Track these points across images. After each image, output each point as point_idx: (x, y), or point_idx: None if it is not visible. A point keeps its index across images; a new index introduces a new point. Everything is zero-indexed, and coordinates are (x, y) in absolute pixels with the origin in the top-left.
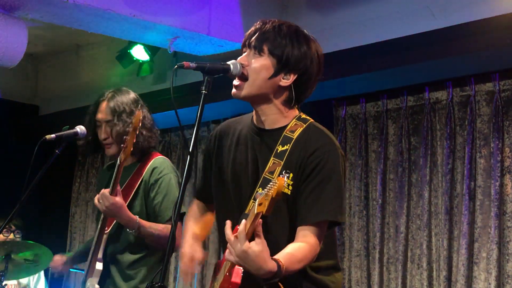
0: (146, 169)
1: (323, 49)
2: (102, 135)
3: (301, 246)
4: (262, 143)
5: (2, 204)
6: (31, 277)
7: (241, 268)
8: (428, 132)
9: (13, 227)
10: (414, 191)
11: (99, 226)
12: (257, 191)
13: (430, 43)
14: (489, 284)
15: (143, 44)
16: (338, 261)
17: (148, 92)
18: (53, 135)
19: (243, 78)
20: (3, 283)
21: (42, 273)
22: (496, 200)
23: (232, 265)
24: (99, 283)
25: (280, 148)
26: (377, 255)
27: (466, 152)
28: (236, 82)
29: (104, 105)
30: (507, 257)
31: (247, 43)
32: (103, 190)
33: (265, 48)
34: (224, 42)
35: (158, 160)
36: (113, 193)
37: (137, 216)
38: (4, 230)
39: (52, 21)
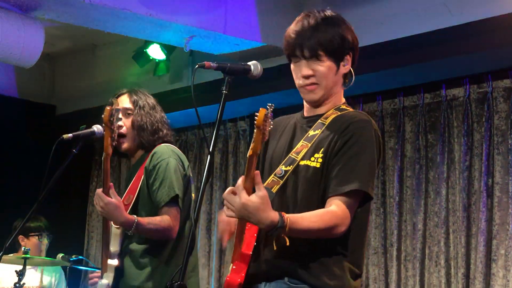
0: (148, 157)
1: None
2: (126, 123)
3: (321, 210)
4: (300, 128)
5: (20, 203)
6: (52, 279)
7: (253, 238)
8: (445, 129)
9: (46, 231)
10: (432, 188)
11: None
12: (280, 167)
13: (447, 40)
14: (508, 281)
15: (159, 43)
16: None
17: (165, 91)
18: (70, 135)
19: (315, 83)
20: (22, 282)
21: (63, 274)
22: None
23: (241, 237)
24: (118, 279)
25: (311, 133)
26: (394, 253)
27: (484, 148)
28: (310, 87)
29: (123, 96)
30: None
31: (297, 54)
32: (98, 190)
33: (321, 53)
34: (240, 41)
35: (159, 147)
36: (106, 192)
37: (135, 216)
38: (38, 235)
39: (69, 21)
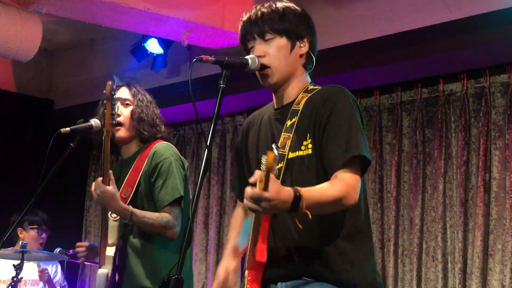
0: (148, 154)
1: (337, 41)
2: (124, 112)
3: (330, 181)
4: (276, 121)
5: (18, 197)
6: (48, 267)
7: (265, 245)
8: (442, 124)
9: (44, 226)
10: (429, 183)
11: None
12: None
13: (444, 35)
14: (504, 276)
15: (157, 37)
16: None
17: (162, 86)
18: (67, 129)
19: (266, 67)
20: (19, 276)
21: (59, 267)
22: (511, 192)
23: (254, 245)
24: (120, 270)
25: (289, 122)
26: (392, 247)
27: (481, 144)
28: (261, 72)
29: (122, 88)
30: None
31: (249, 36)
32: (98, 178)
33: (268, 30)
34: None
35: (160, 145)
36: (105, 181)
37: (130, 206)
38: (37, 228)
39: (67, 15)
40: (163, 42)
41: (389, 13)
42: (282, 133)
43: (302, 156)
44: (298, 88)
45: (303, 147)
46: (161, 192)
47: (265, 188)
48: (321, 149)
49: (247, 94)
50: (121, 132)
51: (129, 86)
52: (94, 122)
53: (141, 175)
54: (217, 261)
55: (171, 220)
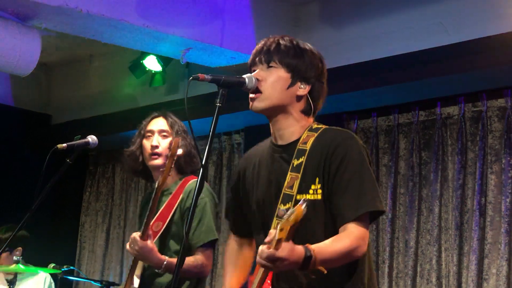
0: (183, 191)
1: (335, 62)
2: (153, 142)
3: (338, 235)
4: (280, 159)
5: (13, 212)
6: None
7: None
8: (439, 147)
9: (17, 252)
10: (425, 205)
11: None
12: (279, 208)
13: (442, 58)
14: None
15: (156, 54)
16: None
17: (160, 103)
18: (64, 145)
19: (259, 91)
20: None
21: (52, 284)
22: (506, 216)
23: (262, 282)
24: None
25: (295, 162)
26: (386, 270)
27: (477, 167)
28: (252, 95)
29: (159, 118)
30: None
31: (256, 60)
32: (133, 235)
33: (276, 59)
34: (237, 54)
35: (195, 183)
36: (144, 236)
37: (166, 257)
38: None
39: (66, 30)
40: (162, 60)
41: (387, 35)
42: (289, 173)
43: (311, 200)
44: (300, 127)
45: (311, 191)
46: (195, 233)
47: (277, 246)
48: (330, 198)
49: (245, 113)
50: (158, 161)
51: (165, 116)
52: (91, 138)
53: (174, 213)
54: (211, 278)
55: (204, 262)
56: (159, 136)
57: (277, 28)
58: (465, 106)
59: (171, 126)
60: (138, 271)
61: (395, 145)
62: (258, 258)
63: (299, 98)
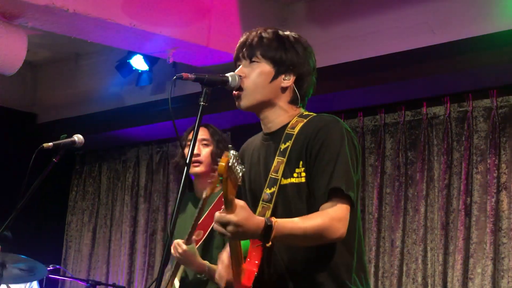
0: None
1: (322, 62)
2: (194, 150)
3: (312, 214)
4: (269, 146)
5: None
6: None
7: (254, 269)
8: (425, 147)
9: None
10: (410, 205)
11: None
12: (264, 192)
13: (428, 58)
14: None
15: (142, 54)
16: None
17: (147, 102)
18: (50, 144)
19: (241, 89)
20: None
21: (35, 283)
22: (491, 216)
23: (237, 267)
24: None
25: (282, 146)
26: (372, 269)
27: (463, 167)
28: (235, 92)
29: (200, 129)
30: (502, 273)
31: (240, 55)
32: (177, 241)
33: (258, 54)
34: (224, 53)
35: None
36: (188, 241)
37: (207, 263)
38: None
39: (52, 29)
40: (148, 59)
41: (374, 35)
42: (276, 157)
43: (295, 184)
44: (289, 116)
45: (295, 174)
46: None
47: (228, 208)
48: (311, 180)
49: (231, 112)
50: (198, 169)
51: (206, 126)
52: (77, 137)
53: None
54: None
55: None
56: (200, 144)
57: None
58: (451, 106)
59: (212, 135)
60: (178, 276)
61: (381, 145)
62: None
63: (284, 89)
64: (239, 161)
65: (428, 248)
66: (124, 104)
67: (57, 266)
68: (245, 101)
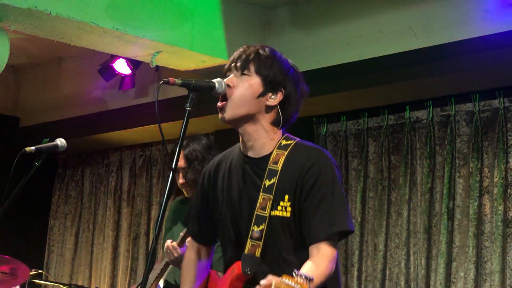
0: None
1: (305, 66)
2: (180, 180)
3: (319, 258)
4: (251, 176)
5: None
6: None
7: None
8: (408, 151)
9: None
10: (394, 209)
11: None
12: (252, 230)
13: (411, 62)
14: None
15: (125, 58)
16: None
17: (130, 106)
18: (33, 148)
19: (226, 99)
20: None
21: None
22: (474, 220)
23: None
24: None
25: (267, 183)
26: (355, 273)
27: (446, 171)
28: (220, 104)
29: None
30: (484, 277)
31: (232, 65)
32: (171, 244)
33: (252, 68)
34: (207, 57)
35: None
36: (181, 244)
37: None
38: None
39: (35, 33)
40: (131, 63)
41: (357, 39)
42: (261, 194)
43: (279, 217)
44: (270, 140)
45: (279, 207)
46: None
47: None
48: (301, 215)
49: (215, 116)
50: (189, 193)
51: (183, 149)
52: (60, 141)
53: None
54: None
55: None
56: (181, 172)
57: (247, 32)
58: (433, 110)
59: (186, 160)
60: (164, 277)
61: (364, 149)
62: None
63: (268, 108)
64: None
65: (411, 252)
66: (107, 107)
67: (39, 271)
68: (229, 113)
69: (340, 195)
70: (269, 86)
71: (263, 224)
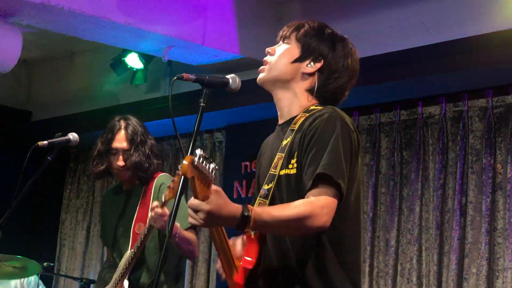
0: (153, 188)
1: None
2: (119, 162)
3: (294, 201)
4: (276, 139)
5: None
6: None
7: (249, 267)
8: (420, 147)
9: None
10: (405, 205)
11: (134, 250)
12: (263, 188)
13: (424, 58)
14: None
15: (137, 52)
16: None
17: (141, 101)
18: (45, 142)
19: (264, 63)
20: None
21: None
22: (487, 216)
23: (228, 263)
24: None
25: (284, 142)
26: (367, 269)
27: (458, 167)
28: (260, 68)
29: (121, 134)
30: (497, 274)
31: (278, 36)
32: (158, 210)
33: (293, 36)
34: (219, 52)
35: (163, 177)
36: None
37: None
38: None
39: (47, 27)
40: (143, 57)
41: (370, 34)
42: (277, 153)
43: (288, 175)
44: (299, 106)
45: (290, 166)
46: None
47: (196, 197)
48: (301, 171)
49: (227, 111)
50: (125, 175)
51: (125, 129)
52: (72, 135)
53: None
54: (191, 276)
55: (197, 244)
56: (123, 154)
57: (259, 27)
58: (446, 106)
59: (130, 142)
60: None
61: (376, 144)
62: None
63: (304, 76)
64: (209, 159)
65: (423, 247)
66: (119, 102)
67: (51, 264)
68: (263, 75)
69: (335, 147)
70: (307, 53)
71: (272, 182)
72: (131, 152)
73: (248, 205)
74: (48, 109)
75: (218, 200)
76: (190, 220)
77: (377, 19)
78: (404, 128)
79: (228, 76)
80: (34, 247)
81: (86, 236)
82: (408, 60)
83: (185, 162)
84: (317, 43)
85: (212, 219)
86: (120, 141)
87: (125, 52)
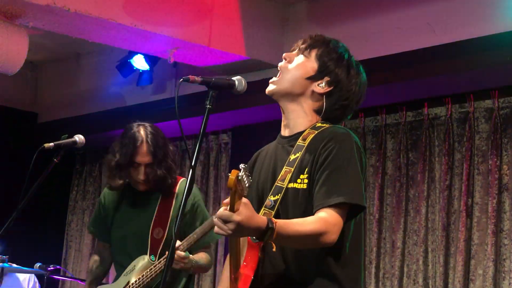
0: (176, 193)
1: None
2: (141, 176)
3: (308, 217)
4: (281, 152)
5: None
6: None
7: (251, 273)
8: (426, 148)
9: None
10: (411, 206)
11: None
12: (268, 198)
13: (430, 59)
14: None
15: (143, 54)
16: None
17: (147, 102)
18: (51, 144)
19: (278, 72)
20: None
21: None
22: (493, 217)
23: (235, 270)
24: None
25: (292, 157)
26: (373, 270)
27: (464, 168)
28: (273, 79)
29: (144, 148)
30: (503, 275)
31: (297, 45)
32: (181, 253)
33: (313, 53)
34: (225, 54)
35: (185, 183)
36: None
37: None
38: None
39: (53, 29)
40: (149, 59)
41: (376, 35)
42: (284, 166)
43: (296, 189)
44: (307, 122)
45: (299, 180)
46: (207, 235)
47: (231, 209)
48: (313, 186)
49: (232, 112)
50: (143, 187)
51: (148, 143)
52: (78, 137)
53: (172, 216)
54: (198, 277)
55: (212, 260)
56: (146, 168)
57: (265, 28)
58: (452, 107)
59: (153, 156)
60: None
61: (382, 146)
62: (215, 218)
63: (314, 94)
64: (247, 173)
65: (429, 249)
66: (125, 104)
67: (57, 266)
68: (274, 88)
69: (354, 170)
70: (323, 74)
71: (279, 194)
72: (154, 167)
73: (271, 218)
74: (54, 110)
75: (248, 212)
76: (217, 230)
77: (383, 20)
78: (410, 129)
79: (234, 78)
80: (40, 249)
81: (92, 238)
82: (414, 61)
83: (232, 176)
84: (334, 67)
85: (240, 230)
86: (143, 155)
87: (131, 53)
